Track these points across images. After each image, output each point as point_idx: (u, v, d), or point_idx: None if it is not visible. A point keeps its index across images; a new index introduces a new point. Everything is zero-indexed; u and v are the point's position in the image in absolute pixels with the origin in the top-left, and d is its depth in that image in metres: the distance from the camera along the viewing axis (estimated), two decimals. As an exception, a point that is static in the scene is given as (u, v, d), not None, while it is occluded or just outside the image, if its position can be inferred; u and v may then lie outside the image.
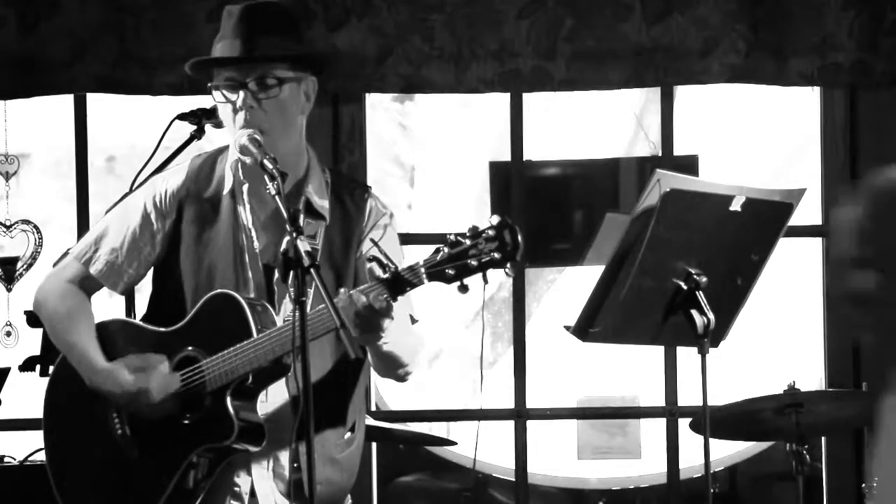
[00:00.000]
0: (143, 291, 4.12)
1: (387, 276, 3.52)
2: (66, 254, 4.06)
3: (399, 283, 3.53)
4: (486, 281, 3.54)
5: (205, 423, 3.75)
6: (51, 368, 4.09)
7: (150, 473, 3.81)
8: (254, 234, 3.83)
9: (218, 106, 3.85)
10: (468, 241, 3.51)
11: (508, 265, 3.52)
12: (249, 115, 3.74)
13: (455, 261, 3.51)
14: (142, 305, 4.09)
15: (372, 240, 3.66)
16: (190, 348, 3.79)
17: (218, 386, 3.72)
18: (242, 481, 3.83)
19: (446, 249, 3.52)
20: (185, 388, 3.77)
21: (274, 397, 3.82)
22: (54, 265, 4.08)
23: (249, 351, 3.68)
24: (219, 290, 3.78)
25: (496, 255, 3.50)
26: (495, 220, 3.53)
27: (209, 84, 3.85)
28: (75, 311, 3.95)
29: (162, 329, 3.85)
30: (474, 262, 3.50)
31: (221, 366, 3.71)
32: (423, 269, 3.52)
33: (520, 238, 3.51)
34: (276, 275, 3.78)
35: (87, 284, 3.98)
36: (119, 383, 3.80)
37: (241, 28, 3.77)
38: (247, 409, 3.75)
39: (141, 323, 3.94)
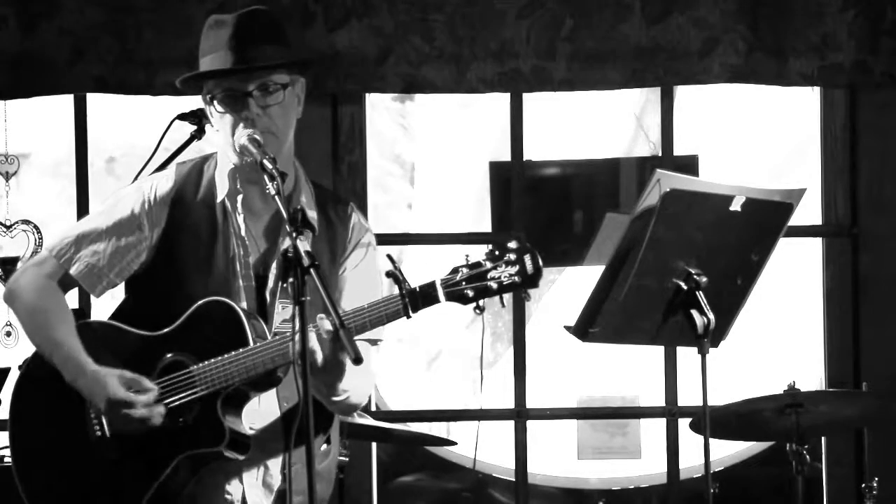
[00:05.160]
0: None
1: (403, 292, 3.50)
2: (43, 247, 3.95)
3: (415, 299, 3.51)
4: (503, 305, 3.54)
5: (193, 428, 3.71)
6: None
7: (129, 476, 3.76)
8: (247, 243, 3.80)
9: (214, 117, 3.80)
10: (489, 263, 3.51)
11: (527, 291, 3.51)
12: (258, 122, 3.72)
13: (474, 282, 3.50)
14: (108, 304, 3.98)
15: (389, 256, 3.63)
16: (170, 354, 3.74)
17: (208, 392, 3.68)
18: (234, 489, 3.81)
19: (465, 270, 3.51)
20: (169, 398, 3.72)
21: (266, 405, 3.80)
22: (31, 257, 3.98)
23: (248, 359, 3.64)
24: (213, 297, 3.73)
25: (517, 280, 3.50)
26: (514, 244, 3.52)
27: (205, 95, 3.81)
28: (57, 308, 3.85)
29: (147, 333, 3.78)
30: (494, 285, 3.50)
31: (214, 372, 3.67)
32: (441, 288, 3.51)
33: (541, 263, 3.50)
34: (270, 283, 3.77)
35: (64, 282, 3.88)
36: (108, 391, 3.71)
37: (235, 39, 3.75)
38: (235, 417, 3.73)
39: (124, 326, 3.83)
